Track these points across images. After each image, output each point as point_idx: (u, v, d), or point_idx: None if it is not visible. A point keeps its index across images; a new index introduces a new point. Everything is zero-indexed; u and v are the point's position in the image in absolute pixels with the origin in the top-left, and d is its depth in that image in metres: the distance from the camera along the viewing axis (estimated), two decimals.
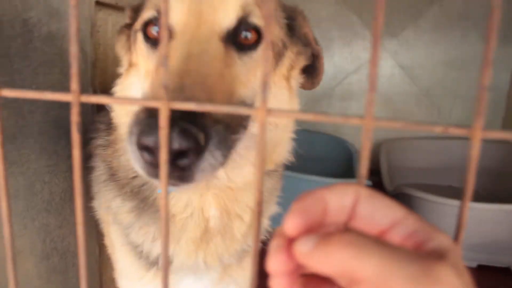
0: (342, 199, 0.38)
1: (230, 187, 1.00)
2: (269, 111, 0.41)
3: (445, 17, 3.68)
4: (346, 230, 0.35)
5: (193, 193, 1.00)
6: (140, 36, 0.92)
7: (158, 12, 0.86)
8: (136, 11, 1.00)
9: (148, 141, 0.59)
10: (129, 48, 1.02)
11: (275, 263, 0.38)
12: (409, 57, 3.79)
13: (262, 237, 1.21)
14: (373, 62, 0.40)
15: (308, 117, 0.42)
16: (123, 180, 1.07)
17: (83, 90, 1.25)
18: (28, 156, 1.12)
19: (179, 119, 0.57)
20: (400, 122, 0.41)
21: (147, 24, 0.90)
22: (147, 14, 0.90)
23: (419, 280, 0.31)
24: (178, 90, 0.65)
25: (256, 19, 0.87)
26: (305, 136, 1.61)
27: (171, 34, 0.82)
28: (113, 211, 1.10)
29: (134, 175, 1.03)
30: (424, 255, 0.33)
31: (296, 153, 1.11)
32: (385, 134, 3.78)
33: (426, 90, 3.86)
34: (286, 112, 0.43)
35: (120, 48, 1.08)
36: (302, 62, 1.04)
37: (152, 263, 1.09)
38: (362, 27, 3.78)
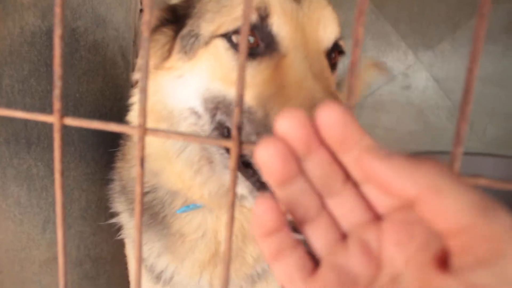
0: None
1: (249, 207, 0.95)
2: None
3: (486, 30, 3.58)
4: None
5: (209, 213, 0.96)
6: (222, 43, 0.83)
7: (262, 18, 0.79)
8: (184, 11, 0.92)
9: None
10: (169, 50, 0.92)
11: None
12: (445, 70, 3.70)
13: None
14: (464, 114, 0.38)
15: None
16: (132, 194, 1.03)
17: (126, 98, 1.25)
18: (68, 164, 1.13)
19: None
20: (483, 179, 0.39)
21: (233, 33, 0.82)
22: (236, 22, 0.81)
23: None
24: None
25: (341, 41, 0.90)
26: None
27: (275, 46, 0.79)
28: (123, 224, 1.09)
29: (146, 190, 0.98)
30: None
31: None
32: (417, 148, 3.71)
33: (459, 105, 3.76)
34: None
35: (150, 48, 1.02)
36: None
37: (157, 278, 1.05)
38: (397, 37, 3.71)
